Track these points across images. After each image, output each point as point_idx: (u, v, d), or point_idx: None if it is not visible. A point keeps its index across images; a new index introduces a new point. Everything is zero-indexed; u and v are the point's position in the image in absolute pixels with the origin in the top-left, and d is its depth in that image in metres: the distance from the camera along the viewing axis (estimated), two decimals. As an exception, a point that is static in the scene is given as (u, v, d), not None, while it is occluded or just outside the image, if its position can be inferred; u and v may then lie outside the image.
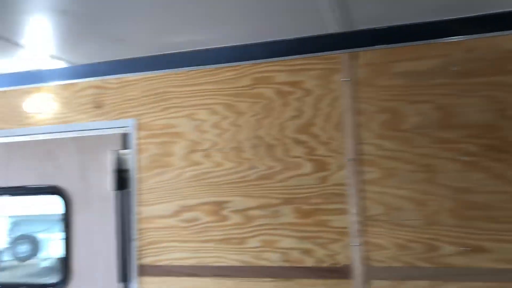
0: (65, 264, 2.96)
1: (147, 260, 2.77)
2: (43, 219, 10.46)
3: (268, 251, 2.60)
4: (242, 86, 2.72)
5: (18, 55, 2.70)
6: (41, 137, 3.05)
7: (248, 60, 2.72)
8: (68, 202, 2.98)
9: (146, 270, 2.77)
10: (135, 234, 2.80)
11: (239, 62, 2.73)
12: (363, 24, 2.48)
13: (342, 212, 2.51)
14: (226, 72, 2.76)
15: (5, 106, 3.12)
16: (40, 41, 2.53)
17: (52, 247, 10.58)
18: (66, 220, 2.99)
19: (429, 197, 2.39)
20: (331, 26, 2.45)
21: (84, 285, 2.91)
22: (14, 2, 2.00)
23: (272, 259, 2.59)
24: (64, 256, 2.97)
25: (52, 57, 2.77)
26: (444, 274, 2.34)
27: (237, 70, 2.74)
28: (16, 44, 2.52)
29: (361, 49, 2.56)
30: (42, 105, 3.03)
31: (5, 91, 3.12)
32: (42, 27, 2.33)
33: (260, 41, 2.67)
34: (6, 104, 3.13)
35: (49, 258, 10.29)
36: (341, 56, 2.58)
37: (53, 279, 2.91)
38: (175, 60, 2.82)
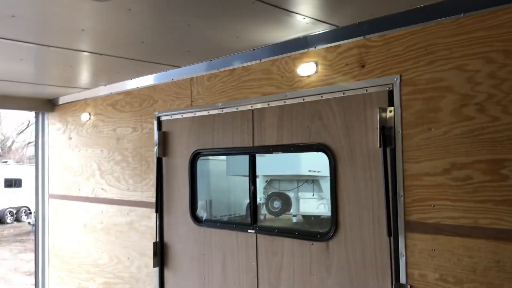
0: (332, 215, 3.19)
1: (414, 217, 2.76)
2: (293, 179, 11.60)
3: None
4: (526, 28, 2.37)
5: (287, 22, 2.96)
6: (308, 99, 3.32)
7: (533, -3, 2.35)
8: (333, 158, 3.19)
9: (413, 227, 2.76)
10: (401, 190, 2.81)
11: (522, 1, 2.39)
12: None
13: None
14: (504, 14, 2.44)
15: (277, 73, 3.50)
16: (306, 6, 2.71)
17: (302, 204, 11.66)
18: (332, 175, 3.20)
19: None
20: None
21: (351, 236, 3.09)
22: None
23: None
24: (331, 208, 3.22)
25: (318, 21, 2.94)
26: None
27: (519, 11, 2.40)
28: (286, 11, 2.75)
29: None
30: (309, 69, 3.28)
31: (276, 59, 3.50)
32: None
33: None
34: (277, 71, 3.50)
35: (298, 215, 11.40)
36: None
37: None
38: (442, 9, 2.64)
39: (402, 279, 2.80)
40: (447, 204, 2.64)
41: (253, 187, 3.78)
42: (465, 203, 2.57)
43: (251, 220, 3.74)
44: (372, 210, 2.99)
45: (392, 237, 2.83)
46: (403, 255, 2.80)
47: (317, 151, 3.39)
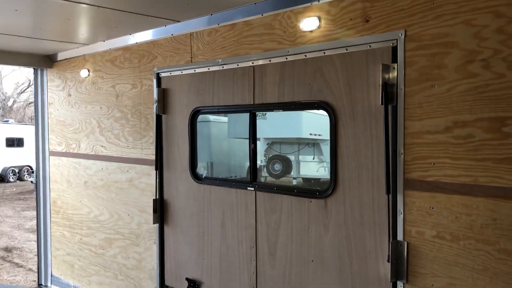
0: (331, 173, 3.19)
1: (414, 175, 2.75)
2: (294, 142, 11.61)
3: None
4: (539, -20, 2.28)
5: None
6: (310, 55, 3.25)
7: None
8: (334, 116, 3.15)
9: (412, 184, 2.76)
10: (401, 148, 2.79)
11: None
12: None
13: None
14: (516, -34, 2.35)
15: (279, 28, 3.41)
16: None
17: (303, 167, 11.73)
18: (333, 132, 3.17)
19: None
20: None
21: (349, 193, 3.09)
22: None
23: None
24: (330, 165, 3.20)
25: (323, -26, 2.84)
26: None
27: (532, -38, 2.30)
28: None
29: None
30: (312, 24, 3.19)
31: (278, 14, 3.40)
32: None
33: None
34: (278, 26, 3.41)
35: (299, 177, 11.49)
36: None
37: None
38: (451, -40, 2.54)
39: (399, 236, 2.82)
40: (447, 162, 2.62)
41: (253, 145, 3.76)
42: (465, 161, 2.55)
43: (250, 177, 3.75)
44: (372, 168, 2.98)
45: (390, 195, 2.83)
46: (401, 213, 2.81)
47: (318, 108, 3.35)
